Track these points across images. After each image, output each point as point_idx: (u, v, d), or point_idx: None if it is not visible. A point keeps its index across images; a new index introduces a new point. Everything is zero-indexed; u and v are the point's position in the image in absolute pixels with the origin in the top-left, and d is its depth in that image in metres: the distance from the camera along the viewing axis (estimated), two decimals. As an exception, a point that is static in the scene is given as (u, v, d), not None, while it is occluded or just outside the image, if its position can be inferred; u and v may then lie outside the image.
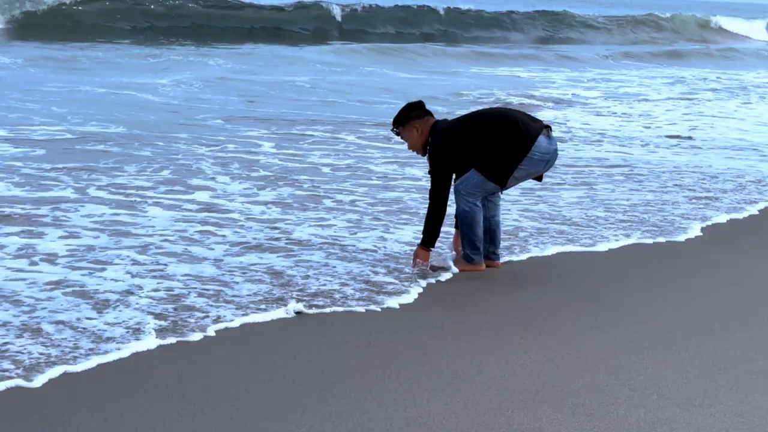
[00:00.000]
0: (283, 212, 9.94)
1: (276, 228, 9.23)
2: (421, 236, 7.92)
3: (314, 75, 24.00)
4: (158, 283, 7.41)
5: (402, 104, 8.29)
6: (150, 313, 6.72)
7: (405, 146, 8.27)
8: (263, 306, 6.98)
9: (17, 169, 11.34)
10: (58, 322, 6.44)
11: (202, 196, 10.50)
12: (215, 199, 10.41)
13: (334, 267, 8.04)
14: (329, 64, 27.07)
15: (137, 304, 6.88)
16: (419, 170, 12.14)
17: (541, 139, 7.76)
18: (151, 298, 7.05)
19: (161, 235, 8.79)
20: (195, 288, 7.34)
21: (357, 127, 16.18)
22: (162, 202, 10.14)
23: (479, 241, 7.94)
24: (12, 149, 12.55)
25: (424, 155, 7.96)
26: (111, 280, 7.44)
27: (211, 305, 6.95)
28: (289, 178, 11.70)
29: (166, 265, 7.89)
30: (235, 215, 9.71)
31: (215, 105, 17.80)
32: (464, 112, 8.73)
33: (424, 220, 7.90)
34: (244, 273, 7.79)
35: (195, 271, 7.74)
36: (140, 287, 7.27)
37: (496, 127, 7.73)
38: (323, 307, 7.07)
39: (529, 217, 10.14)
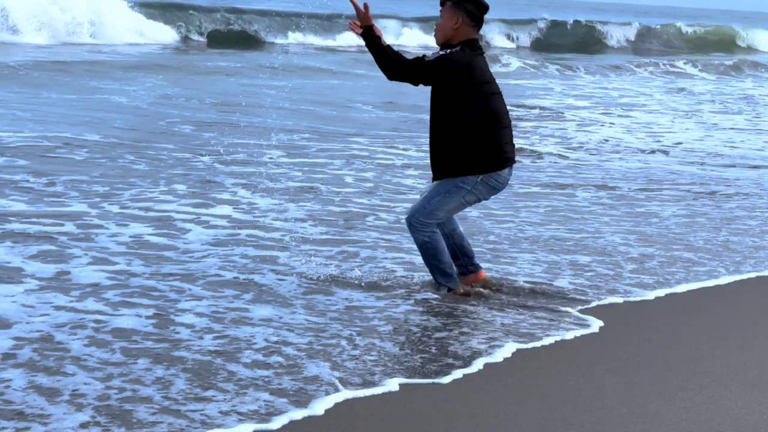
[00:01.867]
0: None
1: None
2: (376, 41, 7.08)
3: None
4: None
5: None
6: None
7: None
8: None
9: (11, 181, 10.32)
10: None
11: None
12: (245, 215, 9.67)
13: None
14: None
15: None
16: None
17: (506, 170, 7.16)
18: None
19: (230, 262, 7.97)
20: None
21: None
22: (200, 218, 9.44)
23: (449, 267, 7.33)
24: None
25: (439, 46, 7.12)
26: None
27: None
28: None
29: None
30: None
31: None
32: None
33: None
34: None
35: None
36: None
37: (497, 119, 7.04)
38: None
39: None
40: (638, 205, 11.46)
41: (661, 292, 7.90)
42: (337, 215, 10.00)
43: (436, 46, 7.25)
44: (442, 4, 7.14)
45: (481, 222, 9.94)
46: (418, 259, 7.72)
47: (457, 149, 7.05)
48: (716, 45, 53.18)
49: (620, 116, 21.01)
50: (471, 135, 7.01)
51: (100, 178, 10.92)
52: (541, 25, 46.90)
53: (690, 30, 54.46)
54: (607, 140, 17.11)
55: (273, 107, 17.44)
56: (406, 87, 7.75)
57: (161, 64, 24.93)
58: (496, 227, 9.79)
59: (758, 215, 11.25)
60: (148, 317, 6.56)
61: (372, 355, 6.07)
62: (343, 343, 6.28)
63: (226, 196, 10.51)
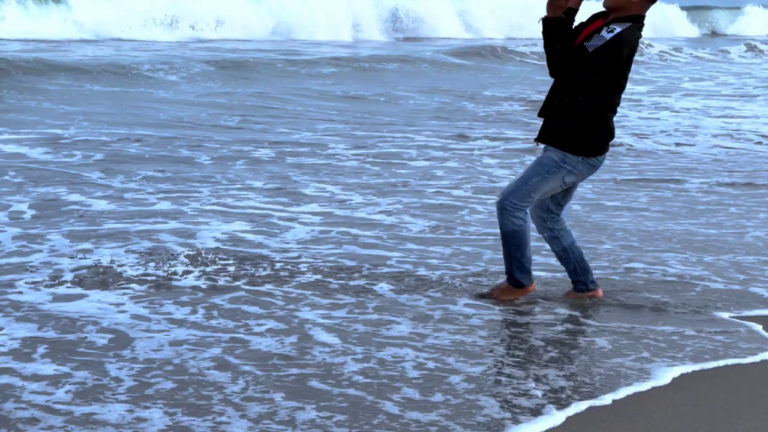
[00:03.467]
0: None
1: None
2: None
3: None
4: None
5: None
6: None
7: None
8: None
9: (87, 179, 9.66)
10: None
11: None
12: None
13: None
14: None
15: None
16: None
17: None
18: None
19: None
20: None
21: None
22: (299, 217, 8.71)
23: (528, 262, 6.66)
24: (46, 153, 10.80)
25: (603, 21, 6.26)
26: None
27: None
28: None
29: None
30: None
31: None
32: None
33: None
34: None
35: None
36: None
37: (616, 102, 6.38)
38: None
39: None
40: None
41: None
42: (435, 209, 9.32)
43: None
44: None
45: (593, 216, 9.10)
46: (553, 260, 6.93)
47: (576, 123, 6.31)
48: None
49: None
50: (593, 115, 6.30)
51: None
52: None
53: None
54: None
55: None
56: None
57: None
58: (613, 220, 8.95)
59: None
60: (277, 333, 5.83)
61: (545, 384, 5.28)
62: (509, 371, 5.48)
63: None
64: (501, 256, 7.70)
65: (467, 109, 16.31)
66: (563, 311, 6.52)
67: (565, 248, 6.69)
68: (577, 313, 6.48)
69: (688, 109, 16.82)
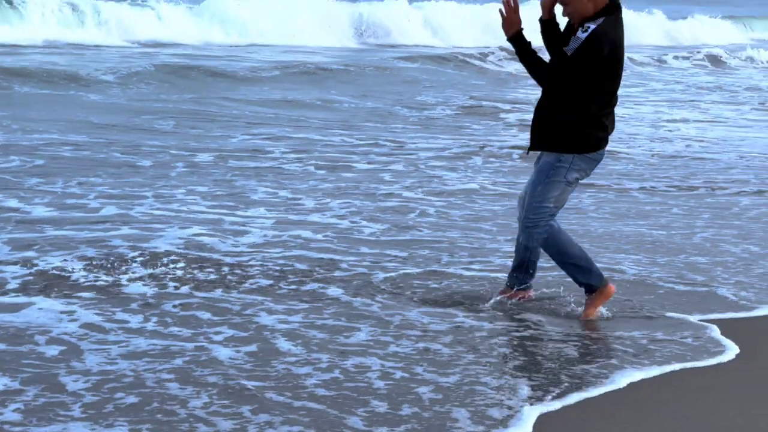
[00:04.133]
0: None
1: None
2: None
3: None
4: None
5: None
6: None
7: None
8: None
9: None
10: None
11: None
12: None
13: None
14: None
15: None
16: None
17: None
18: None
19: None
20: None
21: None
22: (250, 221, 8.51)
23: (584, 260, 6.41)
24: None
25: (576, 28, 6.09)
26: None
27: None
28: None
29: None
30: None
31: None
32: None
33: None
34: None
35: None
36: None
37: (613, 99, 6.26)
38: None
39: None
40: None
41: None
42: (386, 211, 9.22)
43: None
44: None
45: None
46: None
47: (567, 122, 6.18)
48: None
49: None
50: (583, 113, 6.15)
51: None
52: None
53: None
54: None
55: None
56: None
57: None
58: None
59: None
60: (238, 341, 5.66)
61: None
62: (479, 379, 5.35)
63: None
64: (457, 258, 7.65)
65: (400, 114, 16.20)
66: (528, 316, 6.41)
67: (528, 248, 6.51)
68: (542, 319, 6.38)
69: (623, 117, 16.85)
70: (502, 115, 16.68)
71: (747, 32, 50.13)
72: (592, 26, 6.00)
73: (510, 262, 6.80)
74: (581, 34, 6.01)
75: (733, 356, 5.90)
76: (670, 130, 15.93)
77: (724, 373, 5.64)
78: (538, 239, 6.37)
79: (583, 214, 9.47)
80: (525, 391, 5.19)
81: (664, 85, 24.48)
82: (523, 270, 6.61)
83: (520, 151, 12.70)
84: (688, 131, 15.88)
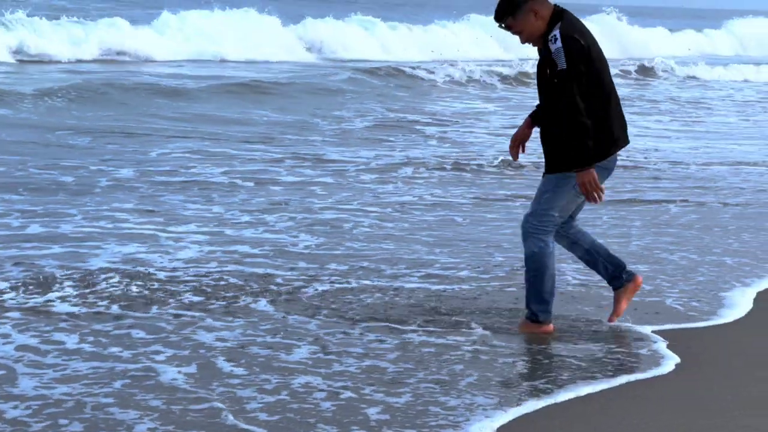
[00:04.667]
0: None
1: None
2: (579, 160, 6.01)
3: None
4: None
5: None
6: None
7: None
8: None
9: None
10: None
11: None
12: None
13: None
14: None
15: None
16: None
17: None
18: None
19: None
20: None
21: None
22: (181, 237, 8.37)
23: (548, 294, 6.23)
24: None
25: (542, 47, 6.09)
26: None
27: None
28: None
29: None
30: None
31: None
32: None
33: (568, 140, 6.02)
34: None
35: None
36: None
37: (610, 98, 6.11)
38: None
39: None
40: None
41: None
42: (322, 224, 9.13)
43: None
44: (503, 27, 6.17)
45: (478, 229, 8.92)
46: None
47: (573, 137, 6.03)
48: None
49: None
50: (585, 123, 6.00)
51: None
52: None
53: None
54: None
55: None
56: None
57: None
58: (499, 233, 8.80)
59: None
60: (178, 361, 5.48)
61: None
62: (430, 398, 5.23)
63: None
64: (396, 270, 7.53)
65: (318, 127, 16.03)
66: (478, 331, 6.29)
67: (588, 250, 6.41)
68: (490, 334, 6.26)
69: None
70: (419, 128, 16.53)
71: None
72: (556, 32, 5.95)
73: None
74: (555, 45, 5.95)
75: (673, 367, 5.86)
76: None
77: (667, 384, 5.59)
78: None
79: (517, 224, 9.38)
80: (477, 408, 5.07)
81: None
82: (608, 270, 6.44)
83: (446, 163, 12.66)
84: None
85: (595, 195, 6.03)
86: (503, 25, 6.15)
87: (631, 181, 12.19)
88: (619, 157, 6.32)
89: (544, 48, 6.03)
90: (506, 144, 6.46)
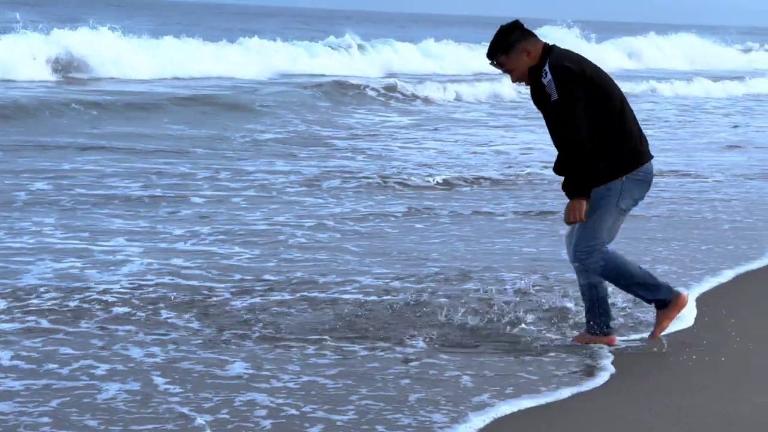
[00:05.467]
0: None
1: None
2: (578, 188, 6.12)
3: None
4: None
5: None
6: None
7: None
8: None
9: None
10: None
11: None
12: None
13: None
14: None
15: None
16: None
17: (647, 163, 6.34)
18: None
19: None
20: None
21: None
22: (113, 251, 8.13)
23: (648, 277, 6.34)
24: None
25: (531, 84, 6.25)
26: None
27: None
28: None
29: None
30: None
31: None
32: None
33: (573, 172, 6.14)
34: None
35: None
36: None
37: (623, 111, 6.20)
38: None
39: None
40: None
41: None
42: (254, 236, 9.06)
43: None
44: (495, 64, 6.28)
45: (407, 239, 8.85)
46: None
47: (601, 155, 6.13)
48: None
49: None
50: (604, 139, 6.12)
51: None
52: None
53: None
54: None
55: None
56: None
57: None
58: (427, 244, 8.78)
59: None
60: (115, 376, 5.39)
61: None
62: (376, 417, 5.13)
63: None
64: (328, 280, 7.47)
65: (232, 139, 15.87)
66: (420, 346, 6.22)
67: (592, 284, 6.35)
68: (429, 348, 6.18)
69: (456, 141, 16.81)
70: (331, 141, 16.39)
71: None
72: (546, 66, 6.07)
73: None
74: (547, 78, 6.07)
75: (608, 377, 5.86)
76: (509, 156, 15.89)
77: (609, 396, 5.59)
78: (595, 268, 6.22)
79: (444, 235, 9.40)
80: (423, 425, 4.99)
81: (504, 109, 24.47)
82: (595, 313, 6.41)
83: (371, 175, 12.59)
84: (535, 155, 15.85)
85: (572, 219, 6.12)
86: (495, 62, 6.25)
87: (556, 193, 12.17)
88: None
89: (537, 84, 6.14)
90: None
